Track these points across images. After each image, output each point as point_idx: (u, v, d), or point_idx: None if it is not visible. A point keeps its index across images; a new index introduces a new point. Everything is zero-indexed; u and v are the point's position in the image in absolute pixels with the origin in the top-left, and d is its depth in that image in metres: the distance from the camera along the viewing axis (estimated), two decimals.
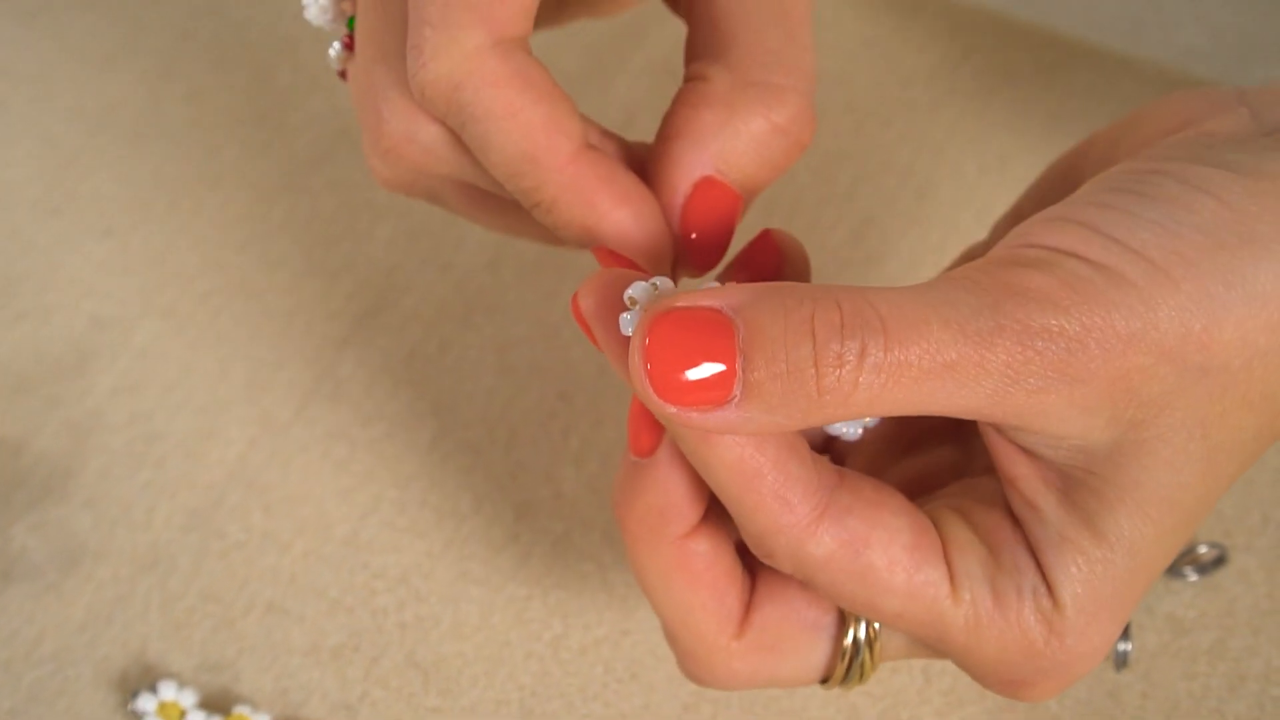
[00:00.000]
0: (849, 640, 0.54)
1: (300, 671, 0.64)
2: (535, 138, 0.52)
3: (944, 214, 0.74)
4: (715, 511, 0.53)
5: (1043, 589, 0.51)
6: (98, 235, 0.75)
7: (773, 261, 0.55)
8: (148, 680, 0.63)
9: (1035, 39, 0.80)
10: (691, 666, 0.55)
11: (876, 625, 0.54)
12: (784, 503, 0.49)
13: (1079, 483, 0.50)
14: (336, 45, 0.58)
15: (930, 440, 0.59)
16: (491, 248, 0.73)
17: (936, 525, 0.52)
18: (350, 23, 0.57)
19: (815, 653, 0.55)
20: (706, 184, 0.54)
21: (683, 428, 0.48)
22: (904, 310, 0.47)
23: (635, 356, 0.46)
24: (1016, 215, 0.60)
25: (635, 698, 0.63)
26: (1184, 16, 0.81)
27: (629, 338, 0.48)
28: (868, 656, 0.54)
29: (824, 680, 0.55)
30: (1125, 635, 0.62)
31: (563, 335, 0.71)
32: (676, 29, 0.79)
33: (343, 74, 0.59)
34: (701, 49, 0.55)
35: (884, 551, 0.50)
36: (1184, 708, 0.62)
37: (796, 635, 0.54)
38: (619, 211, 0.53)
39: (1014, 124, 0.77)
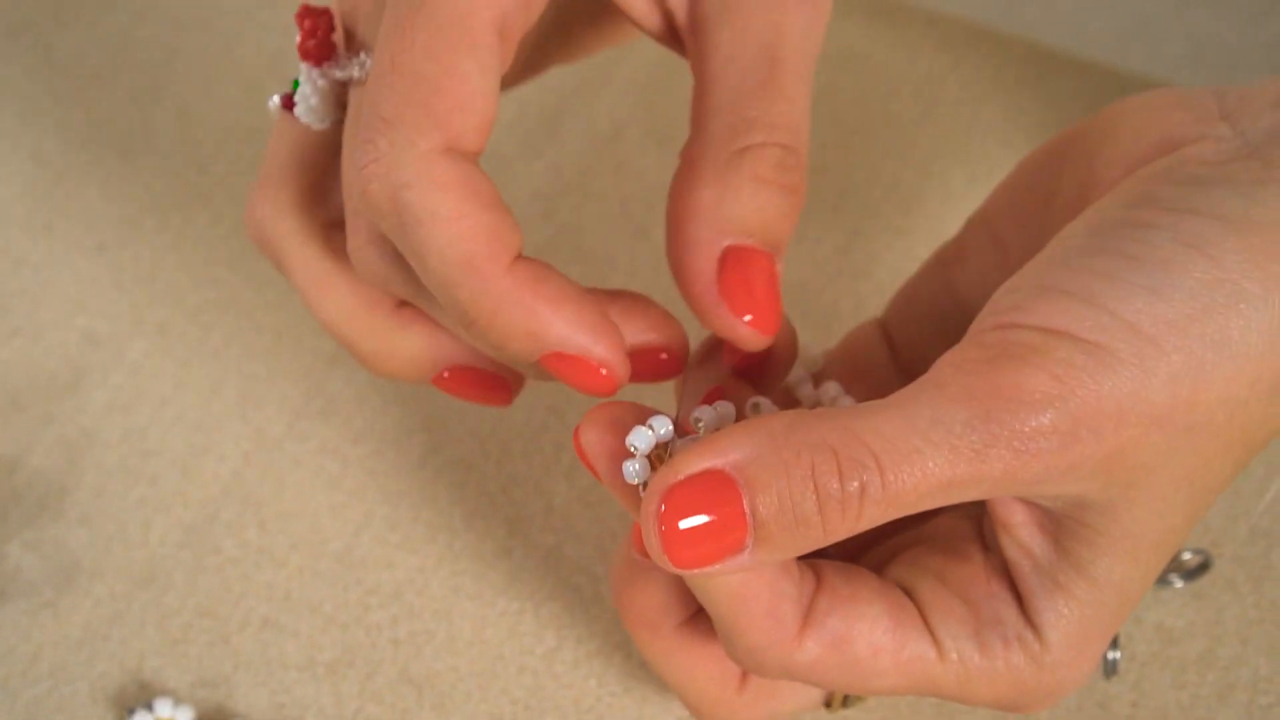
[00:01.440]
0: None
1: (295, 687, 0.64)
2: (478, 244, 0.50)
3: (930, 226, 0.75)
4: None
5: (1028, 633, 0.52)
6: (89, 252, 0.75)
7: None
8: (144, 697, 0.64)
9: (1021, 51, 0.80)
10: (700, 717, 0.59)
11: None
12: (775, 620, 0.52)
13: (1071, 532, 0.52)
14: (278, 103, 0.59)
15: None
16: None
17: (913, 592, 0.54)
18: (295, 84, 0.59)
19: (812, 691, 0.58)
20: (734, 253, 0.53)
21: (695, 577, 0.50)
22: (895, 443, 0.48)
23: (650, 527, 0.48)
24: (986, 217, 0.60)
25: (629, 711, 0.63)
26: (1169, 29, 0.82)
27: (633, 484, 0.50)
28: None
29: (827, 704, 0.58)
30: (1114, 644, 0.62)
31: None
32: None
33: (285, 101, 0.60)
34: (695, 115, 0.55)
35: (867, 642, 0.52)
36: (1173, 716, 0.62)
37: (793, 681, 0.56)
38: (567, 310, 0.52)
39: (1001, 135, 0.78)
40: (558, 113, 0.79)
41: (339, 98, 0.58)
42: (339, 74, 0.57)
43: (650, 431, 0.50)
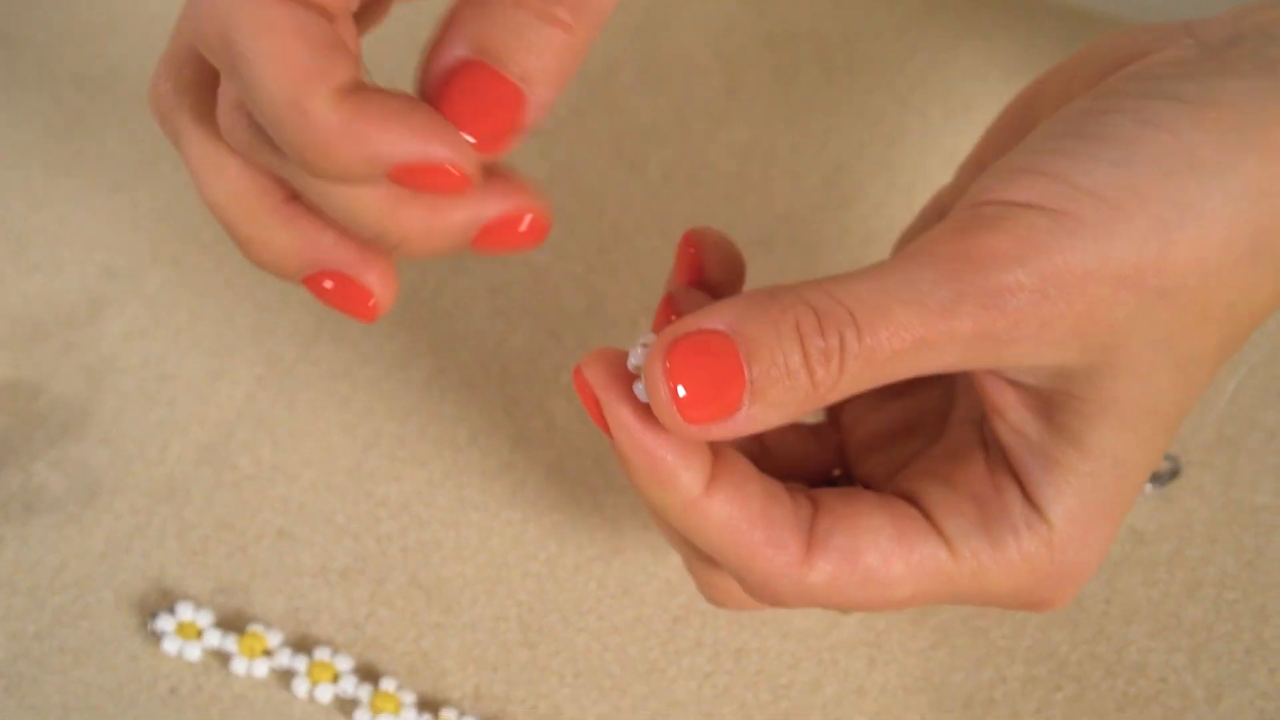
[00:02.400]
0: None
1: (310, 593, 0.67)
2: (299, 82, 0.49)
3: (912, 159, 0.78)
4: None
5: (1034, 517, 0.54)
6: (107, 191, 0.78)
7: (696, 261, 0.58)
8: (166, 603, 0.67)
9: None
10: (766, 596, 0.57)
11: None
12: (777, 546, 0.53)
13: (1060, 405, 0.53)
14: None
15: (915, 385, 0.62)
16: None
17: (917, 498, 0.55)
18: None
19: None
20: (465, 66, 0.52)
21: (699, 437, 0.51)
22: (866, 300, 0.51)
23: (660, 385, 0.50)
24: (977, 161, 0.63)
25: (627, 611, 0.66)
26: None
27: (643, 402, 0.52)
28: None
29: None
30: None
31: (551, 277, 0.75)
32: None
33: None
34: None
35: (876, 552, 0.54)
36: (1144, 612, 0.66)
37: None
38: (393, 123, 0.50)
39: (978, 74, 0.81)
40: None
41: None
42: None
43: (644, 349, 0.52)
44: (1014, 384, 0.54)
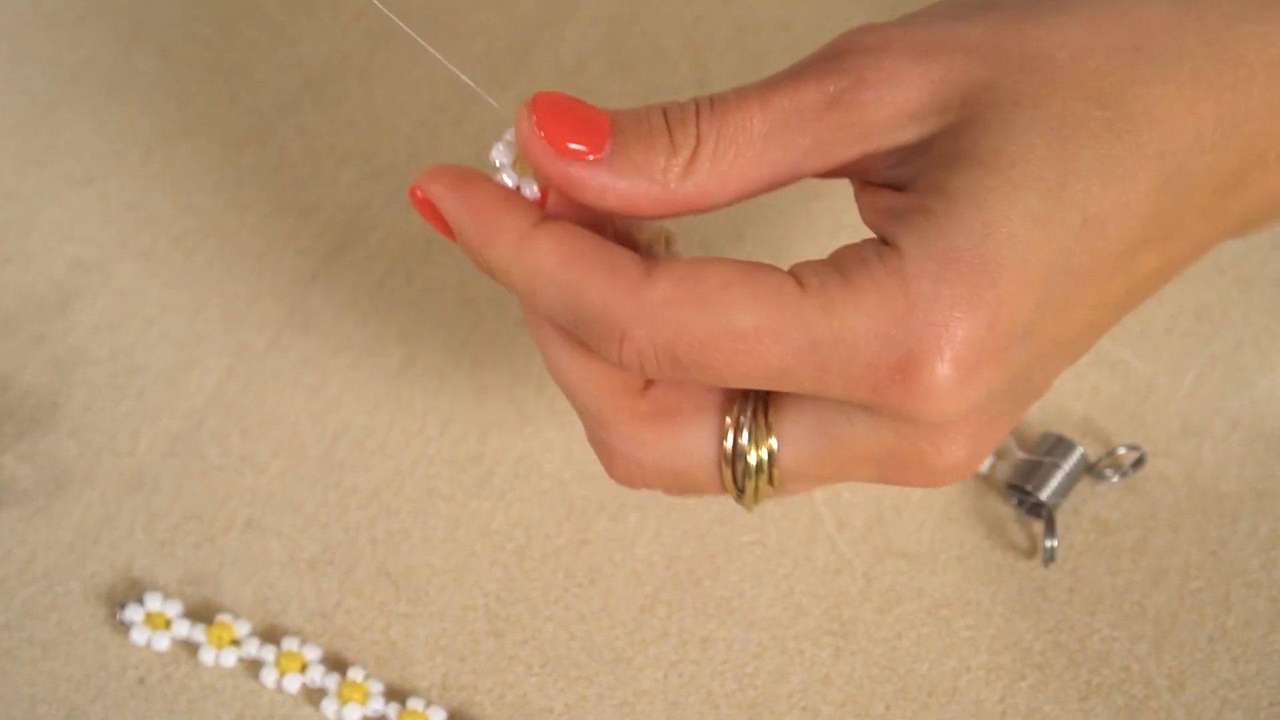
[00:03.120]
0: (729, 443, 0.54)
1: (279, 583, 0.67)
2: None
3: None
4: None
5: (886, 250, 0.50)
6: (76, 184, 0.78)
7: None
8: (135, 593, 0.67)
9: None
10: (602, 443, 0.56)
11: (773, 444, 0.54)
12: (612, 268, 0.51)
13: (920, 172, 0.51)
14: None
15: None
16: None
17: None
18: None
19: (705, 430, 0.55)
20: None
21: (569, 183, 0.52)
22: (724, 94, 0.53)
23: (525, 121, 0.52)
24: None
25: (594, 600, 0.67)
26: None
27: (504, 187, 0.53)
28: (762, 463, 0.54)
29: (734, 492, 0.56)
30: (1053, 533, 0.66)
31: None
32: None
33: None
34: None
35: (718, 277, 0.50)
36: (1108, 601, 0.66)
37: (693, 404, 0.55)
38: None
39: None
40: (525, 45, 0.82)
41: None
42: None
43: (505, 143, 0.54)
44: (892, 189, 0.52)
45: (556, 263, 0.51)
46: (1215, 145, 0.52)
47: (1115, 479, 0.68)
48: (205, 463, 0.70)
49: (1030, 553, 0.67)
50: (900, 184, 0.52)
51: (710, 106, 0.52)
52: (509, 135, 0.54)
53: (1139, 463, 0.68)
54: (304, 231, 0.76)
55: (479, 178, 0.54)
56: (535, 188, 0.54)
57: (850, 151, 0.53)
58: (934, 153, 0.51)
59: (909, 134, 0.52)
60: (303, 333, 0.73)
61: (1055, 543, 0.66)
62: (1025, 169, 0.50)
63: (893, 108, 0.52)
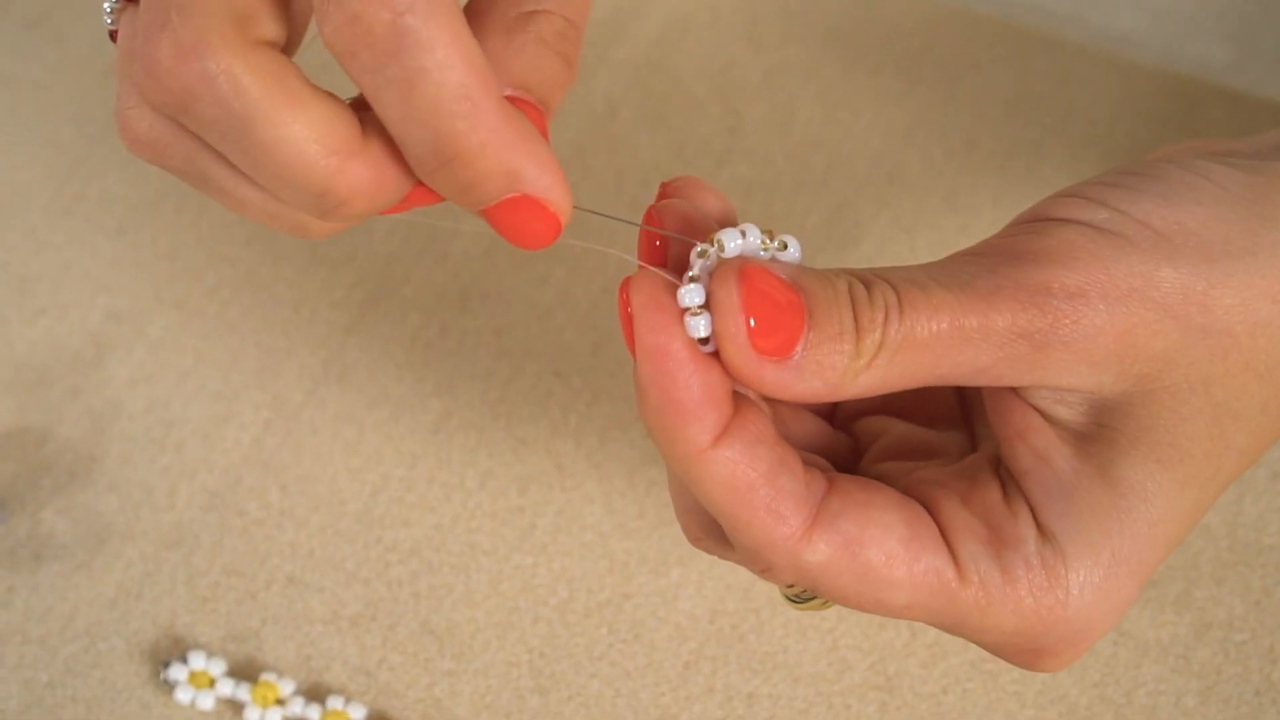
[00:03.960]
0: None
1: (321, 640, 0.67)
2: (476, 75, 0.49)
3: (913, 197, 0.78)
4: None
5: (1049, 551, 0.52)
6: (109, 234, 0.78)
7: (659, 237, 0.54)
8: (178, 651, 0.67)
9: (993, 30, 0.84)
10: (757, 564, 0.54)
11: None
12: (776, 516, 0.51)
13: (1090, 436, 0.52)
14: (109, 5, 0.54)
15: (938, 417, 0.60)
16: (486, 238, 0.77)
17: (933, 511, 0.53)
18: None
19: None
20: (511, 102, 0.52)
21: (755, 384, 0.51)
22: (908, 278, 0.51)
23: (734, 309, 0.50)
24: None
25: (639, 657, 0.67)
26: (1124, 1, 0.85)
27: (694, 338, 0.51)
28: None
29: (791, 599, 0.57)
30: None
31: (555, 318, 0.75)
32: (657, 23, 0.83)
33: (113, 35, 0.55)
34: None
35: (879, 548, 0.51)
36: (1153, 654, 0.66)
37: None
38: (541, 150, 0.50)
39: (977, 109, 0.81)
40: None
41: None
42: None
43: (693, 284, 0.51)
44: (1043, 411, 0.53)
45: (725, 494, 0.51)
46: None
47: None
48: (245, 518, 0.70)
49: None
50: (1058, 418, 0.53)
51: (900, 311, 0.50)
52: (698, 268, 0.51)
53: None
54: (338, 283, 0.76)
55: (679, 346, 0.51)
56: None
57: (1019, 381, 0.52)
58: (1106, 421, 0.52)
59: (1082, 380, 0.52)
60: (339, 386, 0.73)
61: None
62: (1191, 465, 0.52)
63: (1079, 356, 0.51)
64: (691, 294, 0.50)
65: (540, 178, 0.50)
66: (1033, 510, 0.52)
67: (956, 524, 0.52)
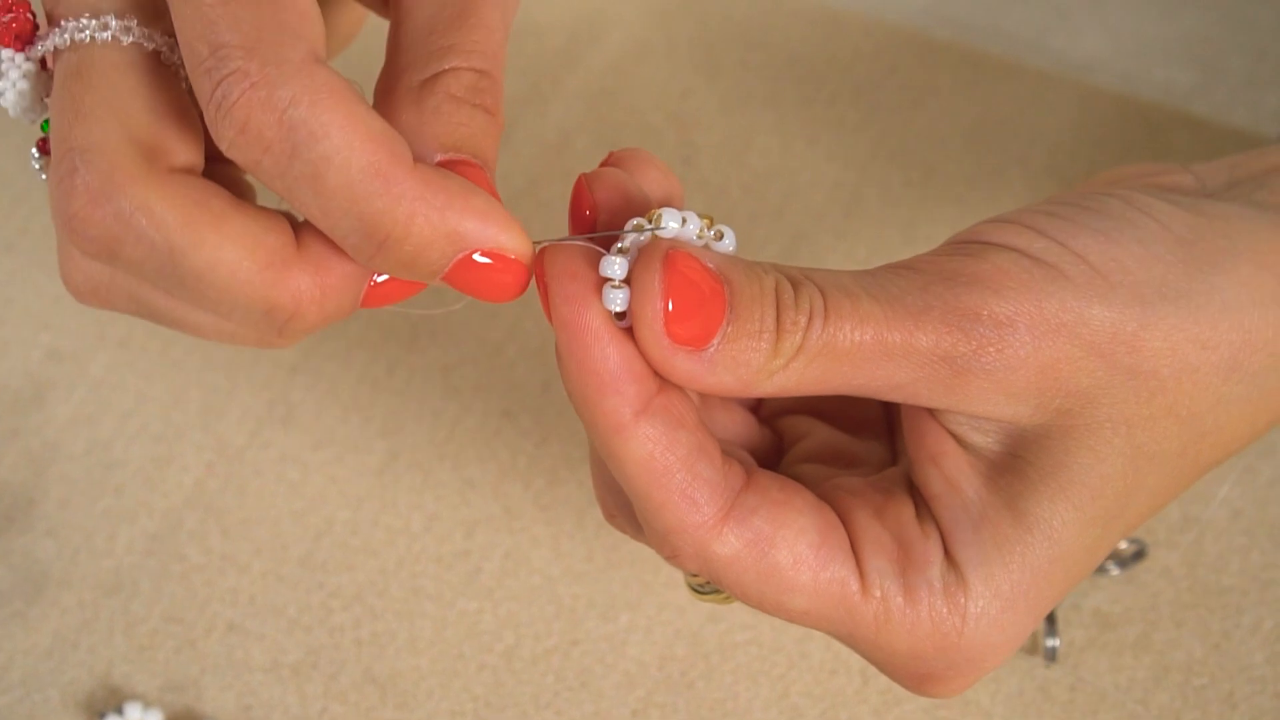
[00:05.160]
0: None
1: (262, 689, 0.66)
2: (380, 151, 0.48)
3: (871, 228, 0.77)
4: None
5: (953, 577, 0.52)
6: (51, 271, 0.77)
7: (587, 204, 0.53)
8: (114, 702, 0.66)
9: (953, 57, 0.82)
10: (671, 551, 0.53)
11: None
12: (690, 502, 0.50)
13: (1003, 466, 0.52)
14: (36, 154, 0.54)
15: (861, 426, 0.60)
16: None
17: (846, 521, 0.53)
18: (45, 125, 0.53)
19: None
20: (449, 166, 0.51)
21: (666, 371, 0.50)
22: (839, 285, 0.50)
23: (655, 292, 0.49)
24: None
25: (586, 705, 0.65)
26: (1085, 22, 0.84)
27: (611, 311, 0.50)
28: None
29: (695, 588, 0.56)
30: (1053, 631, 0.64)
31: (505, 354, 0.74)
32: (612, 49, 0.82)
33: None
34: (390, 50, 0.54)
35: (789, 550, 0.51)
36: (1111, 699, 0.65)
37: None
38: (477, 203, 0.49)
39: (937, 138, 0.80)
40: (508, 122, 0.80)
41: (46, 89, 0.53)
42: (49, 44, 0.51)
43: (620, 258, 0.50)
44: (957, 440, 0.53)
45: (641, 473, 0.50)
46: (1253, 436, 0.56)
47: (1115, 571, 0.67)
48: (185, 563, 0.69)
49: (1031, 650, 0.65)
50: (973, 444, 0.53)
51: (825, 317, 0.50)
52: (629, 241, 0.50)
53: (1139, 555, 0.67)
54: None
55: (596, 318, 0.50)
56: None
57: (935, 403, 0.52)
58: (1020, 454, 0.52)
59: (999, 410, 0.51)
60: (284, 427, 0.72)
61: (1057, 641, 0.65)
62: (1100, 505, 0.52)
63: (998, 386, 0.51)
64: (614, 266, 0.50)
65: (484, 230, 0.49)
66: (942, 534, 0.52)
67: (867, 537, 0.52)
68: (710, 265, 0.50)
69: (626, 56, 0.83)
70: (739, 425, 0.58)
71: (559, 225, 0.77)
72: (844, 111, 0.81)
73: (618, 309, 0.50)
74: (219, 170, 0.53)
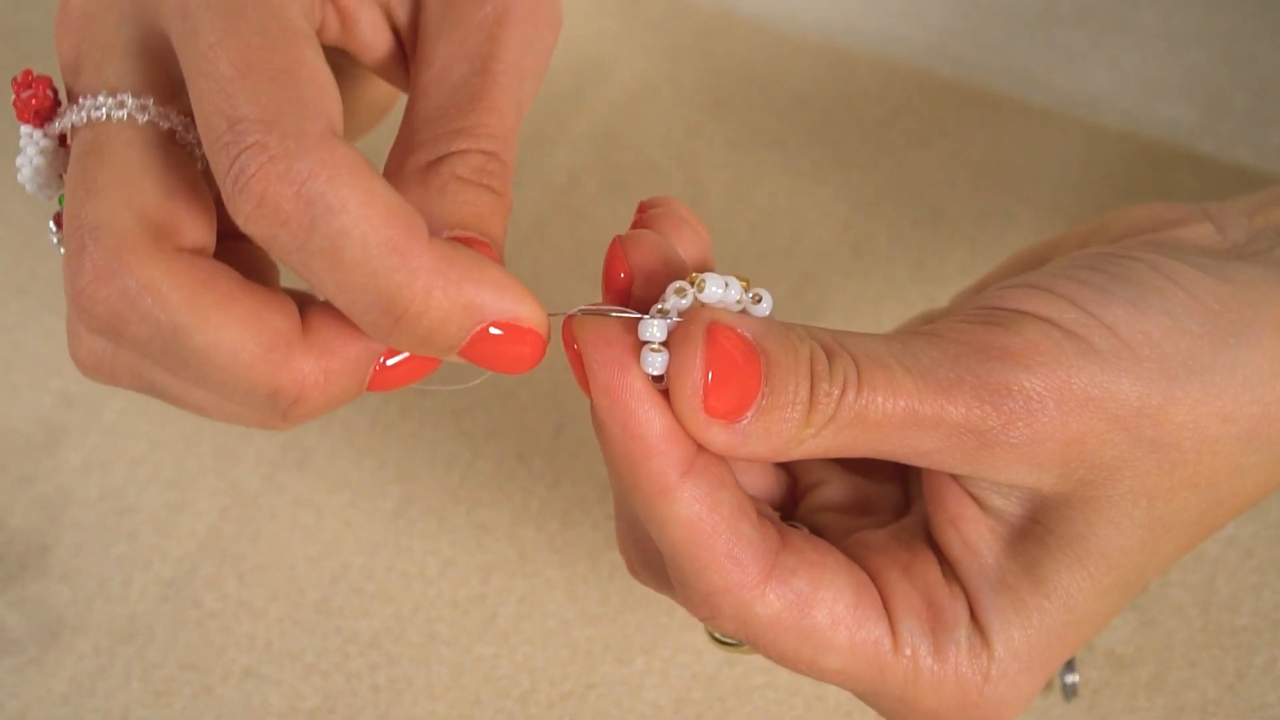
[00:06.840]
0: None
1: None
2: (397, 225, 0.47)
3: (880, 267, 0.77)
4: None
5: (977, 638, 0.53)
6: (62, 314, 0.77)
7: (622, 268, 0.53)
8: None
9: (961, 95, 0.83)
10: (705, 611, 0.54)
11: None
12: (735, 562, 0.51)
13: (1023, 531, 0.53)
14: (54, 228, 0.54)
15: (875, 471, 0.61)
16: None
17: (876, 579, 0.54)
18: (62, 199, 0.53)
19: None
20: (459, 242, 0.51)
21: (700, 434, 0.50)
22: (872, 354, 0.50)
23: (695, 364, 0.49)
24: (979, 291, 0.62)
25: None
26: (1091, 62, 0.84)
27: (649, 374, 0.50)
28: None
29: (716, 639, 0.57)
30: (1071, 667, 0.65)
31: (518, 398, 0.74)
32: (619, 90, 0.82)
33: None
34: (404, 128, 0.54)
35: (828, 610, 0.52)
36: None
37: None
38: (493, 275, 0.49)
39: (945, 177, 0.80)
40: (516, 165, 0.81)
41: (63, 165, 0.54)
42: (67, 121, 0.52)
43: (661, 321, 0.50)
44: (978, 505, 0.54)
45: (687, 535, 0.51)
46: (1264, 496, 0.56)
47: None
48: (201, 609, 0.69)
49: (1048, 688, 0.66)
50: (994, 508, 0.53)
51: (858, 388, 0.50)
52: (671, 304, 0.50)
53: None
54: None
55: (637, 382, 0.50)
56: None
57: (959, 469, 0.52)
58: (1041, 520, 0.53)
59: (1022, 478, 0.52)
60: (298, 471, 0.72)
61: (1076, 677, 0.65)
62: (1117, 574, 0.53)
63: (1024, 457, 0.51)
64: (655, 329, 0.50)
65: (500, 300, 0.49)
66: (967, 595, 0.53)
67: (898, 595, 0.53)
68: (748, 335, 0.50)
69: (633, 97, 0.83)
70: (757, 470, 0.59)
71: (565, 267, 0.78)
72: (851, 151, 0.81)
73: (656, 372, 0.50)
74: (241, 248, 0.54)
